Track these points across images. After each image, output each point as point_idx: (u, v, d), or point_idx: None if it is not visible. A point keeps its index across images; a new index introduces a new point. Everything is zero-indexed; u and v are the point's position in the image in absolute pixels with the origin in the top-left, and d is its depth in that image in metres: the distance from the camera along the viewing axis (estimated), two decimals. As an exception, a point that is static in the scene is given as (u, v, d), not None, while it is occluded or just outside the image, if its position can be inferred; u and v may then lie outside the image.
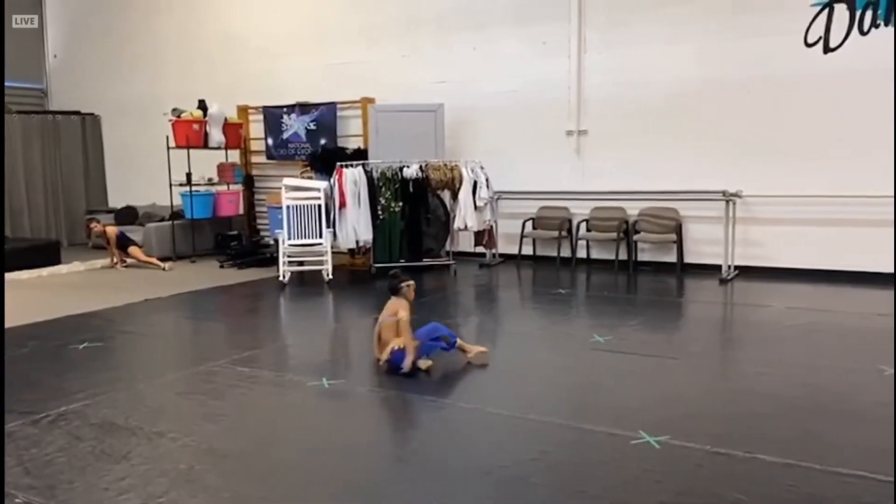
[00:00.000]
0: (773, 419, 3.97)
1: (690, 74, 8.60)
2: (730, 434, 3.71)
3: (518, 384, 4.75)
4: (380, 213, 8.85)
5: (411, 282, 5.19)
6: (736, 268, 8.41)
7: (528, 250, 9.75)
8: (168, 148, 10.45)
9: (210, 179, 11.04)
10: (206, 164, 10.96)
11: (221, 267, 9.97)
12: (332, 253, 8.76)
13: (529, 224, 9.68)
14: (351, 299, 8.11)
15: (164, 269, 9.78)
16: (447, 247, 9.41)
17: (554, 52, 9.38)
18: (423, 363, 4.94)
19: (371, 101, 10.27)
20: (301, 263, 8.89)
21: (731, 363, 5.39)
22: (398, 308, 5.01)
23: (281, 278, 8.49)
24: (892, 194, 7.42)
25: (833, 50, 7.88)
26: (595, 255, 9.42)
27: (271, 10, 11.50)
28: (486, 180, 9.03)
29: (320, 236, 8.65)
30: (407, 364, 4.81)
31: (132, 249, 10.05)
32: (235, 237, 10.80)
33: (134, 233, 10.55)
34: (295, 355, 5.77)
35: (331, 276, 8.54)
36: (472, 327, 6.63)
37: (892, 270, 7.68)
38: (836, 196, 7.90)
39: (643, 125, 8.90)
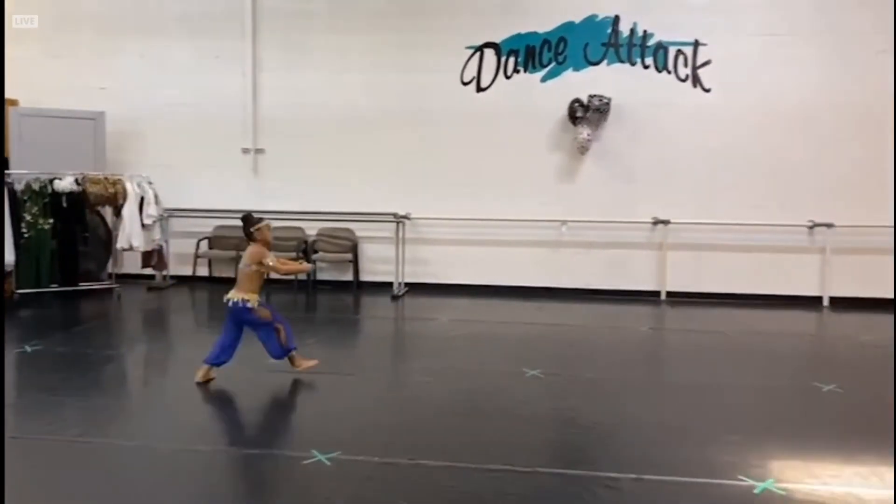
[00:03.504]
0: (435, 425, 4.28)
1: (360, 102, 9.01)
2: (397, 443, 3.91)
3: (188, 414, 4.48)
4: (24, 230, 7.76)
5: (264, 222, 4.99)
6: (406, 285, 8.96)
7: (203, 271, 9.32)
8: None
9: None
10: None
11: None
12: (-39, 278, 7.44)
13: (205, 243, 9.26)
14: (-14, 331, 6.93)
15: None
16: (109, 269, 8.59)
17: (228, 67, 9.16)
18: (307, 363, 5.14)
19: (14, 103, 8.97)
20: (-83, 291, 7.38)
21: (401, 375, 5.70)
22: (258, 256, 4.89)
23: None
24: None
25: (484, 90, 8.87)
26: (273, 274, 9.31)
27: None
28: (155, 196, 8.46)
29: (-56, 258, 7.29)
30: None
31: None
32: None
33: None
34: None
35: (-41, 306, 7.23)
36: (138, 357, 6.12)
37: (531, 284, 8.85)
38: (490, 220, 8.85)
39: (320, 147, 9.10)
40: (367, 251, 9.22)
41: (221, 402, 4.76)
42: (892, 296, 8.18)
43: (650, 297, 8.70)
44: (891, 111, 8.26)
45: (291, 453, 3.70)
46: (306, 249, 9.14)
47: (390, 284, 8.79)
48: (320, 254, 9.08)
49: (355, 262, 9.10)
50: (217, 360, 4.97)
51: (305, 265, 5.59)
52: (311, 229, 9.21)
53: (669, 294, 8.68)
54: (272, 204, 9.12)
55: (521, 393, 4.90)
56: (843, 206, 8.36)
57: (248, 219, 5.04)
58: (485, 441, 3.99)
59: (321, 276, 9.26)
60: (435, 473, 3.52)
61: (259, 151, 9.26)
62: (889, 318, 7.76)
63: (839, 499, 3.27)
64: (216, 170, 9.24)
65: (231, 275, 9.16)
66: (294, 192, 9.12)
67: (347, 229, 9.14)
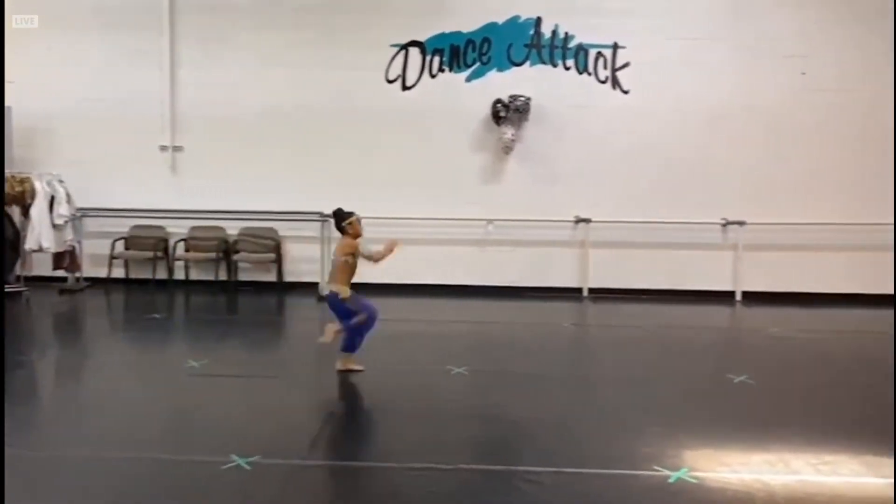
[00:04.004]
0: (359, 425, 4.26)
1: (283, 99, 8.85)
2: (320, 445, 3.87)
3: (101, 422, 4.30)
4: (-78, 232, 7.33)
5: (354, 216, 5.14)
6: (332, 285, 8.86)
7: (119, 273, 8.99)
8: None
9: None
10: None
11: None
12: None
13: (120, 244, 8.94)
14: None
15: None
16: (17, 271, 8.19)
17: (145, 62, 8.87)
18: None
19: None
20: None
21: (325, 376, 5.60)
22: (350, 247, 5.08)
23: None
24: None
25: (409, 88, 8.86)
26: (194, 276, 9.09)
27: None
28: (67, 195, 8.13)
29: None
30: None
31: None
32: None
33: None
34: None
35: None
36: (49, 363, 5.86)
37: (456, 282, 8.90)
38: (416, 218, 8.82)
39: (242, 145, 8.90)
40: (292, 251, 9.08)
41: (137, 407, 4.60)
42: (799, 290, 8.61)
43: (573, 293, 8.88)
44: (798, 113, 8.69)
45: (209, 458, 3.61)
46: (227, 250, 8.93)
47: (316, 285, 8.68)
48: (242, 254, 8.89)
49: (279, 262, 8.95)
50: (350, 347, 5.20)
51: (395, 242, 5.25)
52: (233, 229, 9.01)
53: (591, 290, 8.88)
54: (191, 203, 8.90)
55: (447, 390, 4.93)
56: (753, 204, 8.73)
57: (340, 213, 5.23)
58: (409, 440, 3.99)
59: (243, 276, 9.06)
60: (357, 475, 3.50)
61: (177, 149, 8.99)
62: (797, 311, 8.17)
63: (748, 485, 3.41)
64: (132, 168, 8.93)
65: (148, 276, 8.91)
66: (214, 190, 8.88)
67: (271, 229, 8.97)
